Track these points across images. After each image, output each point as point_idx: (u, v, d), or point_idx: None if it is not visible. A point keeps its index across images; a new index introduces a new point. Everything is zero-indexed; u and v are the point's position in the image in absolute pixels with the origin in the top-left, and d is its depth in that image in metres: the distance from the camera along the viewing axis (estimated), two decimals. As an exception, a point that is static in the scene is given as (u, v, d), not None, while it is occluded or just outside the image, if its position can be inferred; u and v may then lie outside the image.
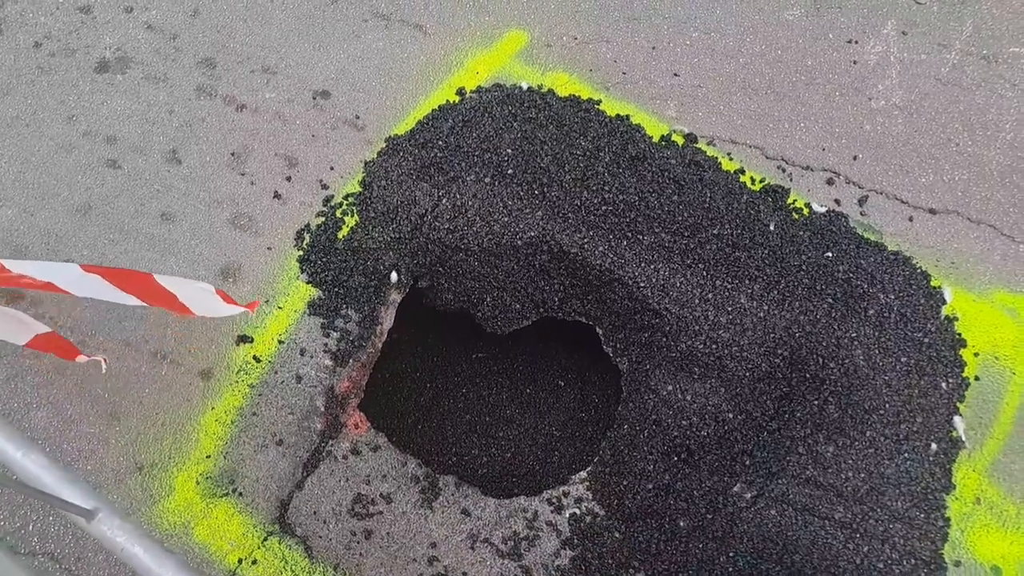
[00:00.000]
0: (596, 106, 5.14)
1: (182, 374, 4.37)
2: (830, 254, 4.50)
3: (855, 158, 4.98)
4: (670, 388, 4.41)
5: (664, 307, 4.44)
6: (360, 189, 4.89)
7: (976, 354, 4.34)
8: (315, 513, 4.12)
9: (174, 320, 4.48)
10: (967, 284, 4.56)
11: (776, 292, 4.41)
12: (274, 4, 5.70)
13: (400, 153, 4.96)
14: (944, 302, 4.43)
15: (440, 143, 4.90)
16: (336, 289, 4.62)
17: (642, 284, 4.48)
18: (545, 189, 4.67)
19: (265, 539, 4.04)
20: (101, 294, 3.70)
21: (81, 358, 3.97)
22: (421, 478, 4.32)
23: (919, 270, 4.54)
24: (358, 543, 4.08)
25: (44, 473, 2.58)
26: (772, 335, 4.33)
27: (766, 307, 4.38)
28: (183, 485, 4.13)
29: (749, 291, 4.43)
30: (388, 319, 4.73)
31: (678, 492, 4.25)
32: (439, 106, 5.18)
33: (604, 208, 4.61)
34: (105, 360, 4.00)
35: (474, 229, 4.62)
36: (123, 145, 5.05)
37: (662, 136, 5.00)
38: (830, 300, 4.36)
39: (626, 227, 4.59)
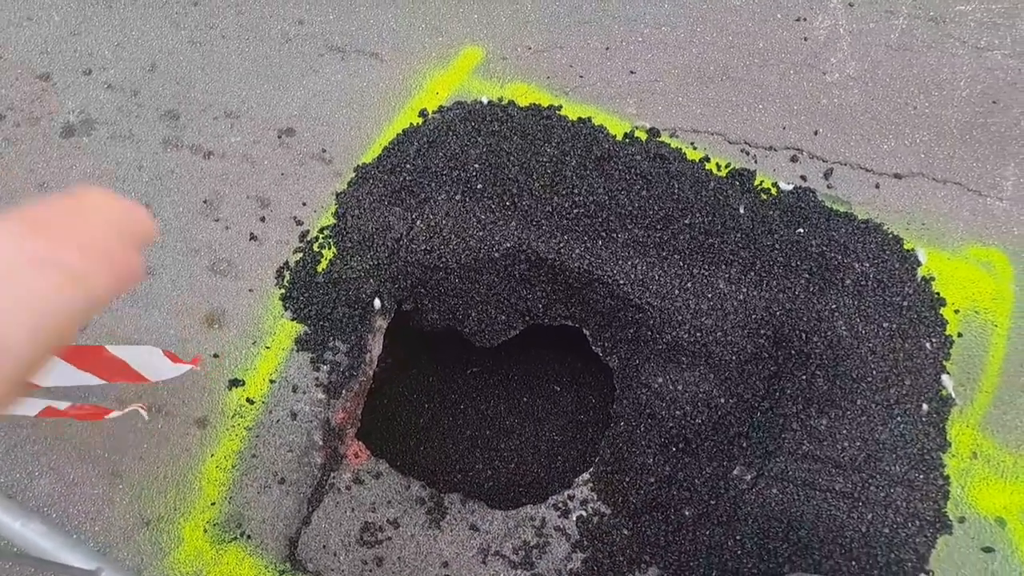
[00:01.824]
0: (557, 112, 5.19)
1: (178, 425, 4.40)
2: (802, 230, 4.55)
3: (816, 133, 5.04)
4: (660, 380, 4.45)
5: (645, 301, 4.48)
6: (334, 221, 4.93)
7: (956, 311, 4.39)
8: (325, 547, 4.16)
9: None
10: (940, 243, 4.61)
11: (753, 273, 4.46)
12: (229, 49, 5.75)
13: (370, 181, 5.00)
14: (919, 264, 4.47)
15: (408, 166, 4.94)
16: (321, 323, 4.65)
17: (621, 281, 4.52)
18: (516, 199, 4.71)
19: (278, 578, 4.09)
20: (64, 379, 3.69)
21: (111, 415, 3.97)
22: (426, 499, 4.36)
23: (891, 235, 4.59)
24: (370, 571, 4.11)
25: (44, 540, 2.61)
26: (754, 316, 4.37)
27: (745, 289, 4.43)
28: (191, 534, 4.16)
29: (726, 275, 4.47)
30: (376, 346, 4.77)
31: (680, 482, 4.29)
32: (403, 130, 5.22)
33: (576, 211, 4.65)
34: (143, 408, 4.03)
35: (451, 247, 4.65)
36: (96, 206, 5.08)
37: (625, 134, 5.05)
38: (807, 275, 4.40)
39: (599, 227, 4.63)
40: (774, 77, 5.30)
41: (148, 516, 4.19)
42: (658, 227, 4.60)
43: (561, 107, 5.22)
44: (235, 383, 4.49)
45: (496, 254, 4.64)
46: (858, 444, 4.01)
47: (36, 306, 0.95)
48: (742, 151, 4.99)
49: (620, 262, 4.56)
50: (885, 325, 4.24)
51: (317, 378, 4.52)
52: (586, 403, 5.53)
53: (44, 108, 5.54)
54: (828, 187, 4.82)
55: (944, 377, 4.19)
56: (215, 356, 4.57)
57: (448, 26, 5.78)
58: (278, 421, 4.40)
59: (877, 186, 4.81)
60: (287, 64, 5.67)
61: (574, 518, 4.30)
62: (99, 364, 3.75)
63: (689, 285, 4.47)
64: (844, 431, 4.04)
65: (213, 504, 4.22)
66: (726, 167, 4.89)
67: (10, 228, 1.00)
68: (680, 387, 4.41)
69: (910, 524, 3.88)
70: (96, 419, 4.00)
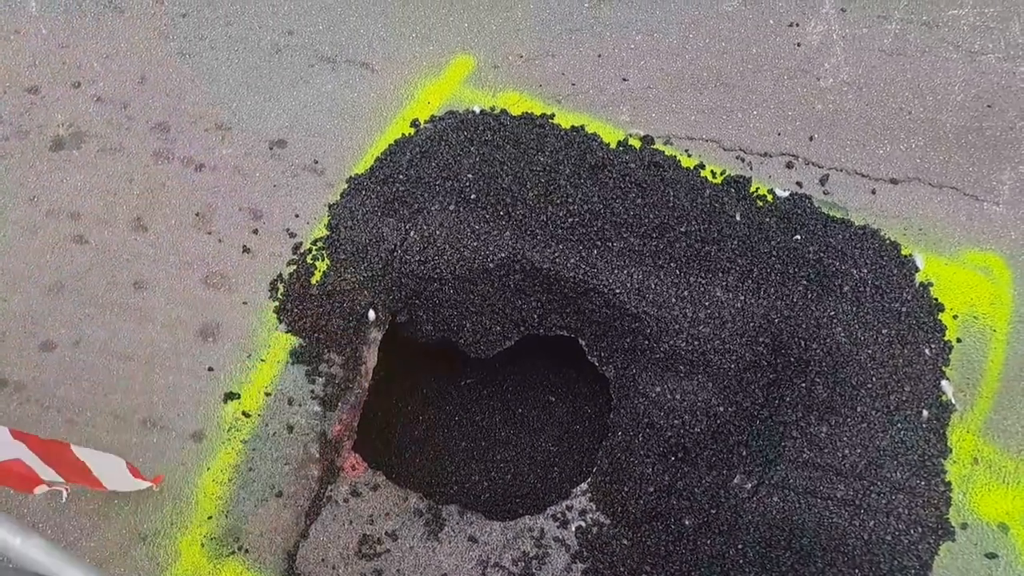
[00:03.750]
0: (550, 120, 5.17)
1: (174, 439, 4.36)
2: (799, 236, 4.54)
3: (811, 139, 5.02)
4: (658, 390, 4.43)
5: (642, 310, 4.46)
6: (327, 232, 4.90)
7: (955, 316, 4.37)
8: (323, 560, 4.12)
9: (160, 386, 4.48)
10: (937, 248, 4.60)
11: (750, 281, 4.44)
12: (219, 61, 5.71)
13: (362, 192, 4.97)
14: (917, 269, 4.46)
15: (401, 177, 4.91)
16: (316, 335, 4.62)
17: (618, 290, 4.50)
18: (510, 209, 4.69)
19: (277, 592, 4.05)
20: (27, 463, 3.59)
21: (40, 488, 3.81)
22: (424, 511, 4.33)
23: (888, 241, 4.57)
24: (370, 584, 4.09)
25: (44, 556, 2.58)
26: (752, 324, 4.36)
27: (742, 297, 4.41)
28: (188, 549, 4.12)
29: (723, 283, 4.45)
30: (372, 358, 4.74)
31: (679, 491, 4.27)
32: (395, 140, 5.19)
33: (570, 220, 4.63)
34: (67, 489, 3.85)
35: (445, 258, 4.63)
36: (87, 219, 5.04)
37: (619, 141, 5.03)
38: (804, 282, 4.39)
39: (594, 236, 4.61)
40: (768, 83, 5.29)
41: (144, 531, 4.15)
42: (654, 235, 4.58)
43: (554, 115, 5.20)
44: (230, 396, 4.46)
45: (491, 264, 4.62)
46: (859, 451, 3.99)
47: None
48: (737, 158, 4.98)
49: (616, 271, 4.54)
50: (884, 331, 4.23)
51: (313, 390, 4.48)
52: (581, 413, 5.51)
53: (33, 121, 5.49)
54: (824, 193, 4.81)
55: (944, 383, 4.18)
56: (210, 369, 4.53)
57: (438, 35, 5.76)
58: (274, 434, 4.37)
59: (873, 192, 4.80)
60: (277, 75, 5.64)
61: (573, 528, 4.28)
62: (61, 460, 3.62)
63: (686, 293, 4.45)
64: (844, 438, 4.03)
65: (210, 518, 4.18)
66: (721, 174, 4.87)
67: None
68: (678, 396, 4.39)
69: (912, 531, 3.86)
70: (28, 490, 3.79)
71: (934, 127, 5.02)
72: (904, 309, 4.31)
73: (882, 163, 4.91)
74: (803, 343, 4.26)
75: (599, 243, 4.60)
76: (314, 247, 4.87)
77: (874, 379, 4.13)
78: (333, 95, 5.53)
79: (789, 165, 4.93)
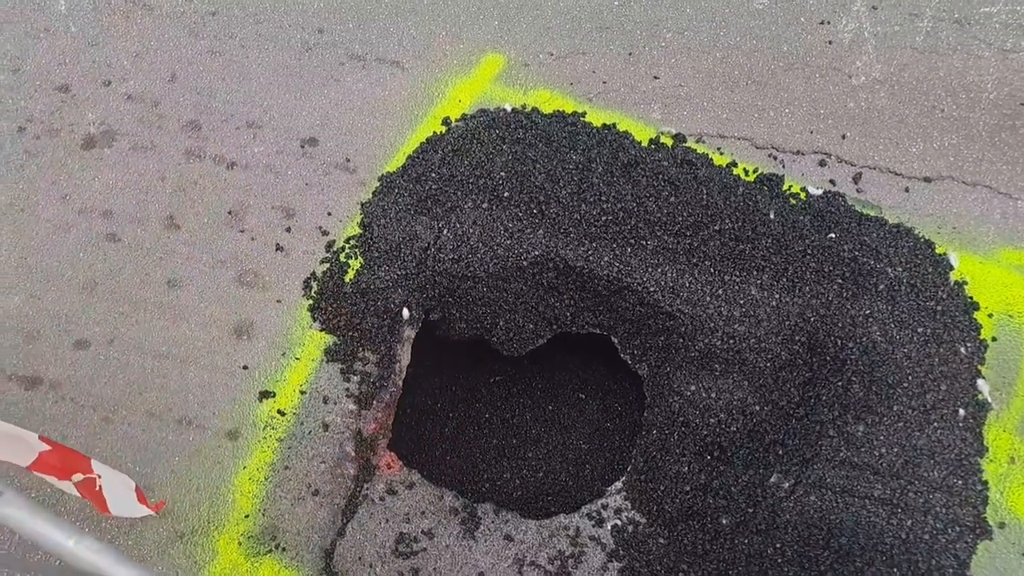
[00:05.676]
0: (582, 118, 5.17)
1: (209, 437, 4.38)
2: (833, 235, 4.53)
3: (844, 137, 5.02)
4: (693, 388, 4.42)
5: (676, 308, 4.46)
6: (360, 231, 4.91)
7: (990, 315, 4.36)
8: (360, 558, 4.13)
9: (195, 385, 4.50)
10: (972, 247, 4.58)
11: (785, 279, 4.43)
12: (249, 59, 5.72)
13: (395, 190, 4.98)
14: (951, 268, 4.45)
15: (433, 175, 4.92)
16: (350, 333, 4.63)
17: (651, 288, 4.50)
18: (543, 207, 4.69)
19: (314, 590, 4.06)
20: (22, 460, 3.52)
21: (76, 476, 3.75)
22: (460, 509, 4.33)
23: (922, 239, 4.56)
24: (407, 582, 4.10)
25: (98, 557, 2.59)
26: (787, 322, 4.35)
27: (777, 295, 4.40)
28: (226, 548, 4.13)
29: (758, 282, 4.45)
30: (405, 356, 4.74)
31: (716, 490, 4.27)
32: (427, 138, 5.19)
33: (604, 218, 4.63)
34: (99, 477, 3.77)
35: (478, 256, 4.63)
36: (120, 218, 5.06)
37: (651, 139, 5.02)
38: (839, 280, 4.38)
39: (628, 234, 4.61)
40: (799, 81, 5.28)
41: (182, 529, 4.16)
42: (687, 233, 4.58)
43: (585, 113, 5.20)
44: (265, 395, 4.47)
45: (524, 262, 4.62)
46: (896, 450, 3.98)
47: None
48: (770, 156, 4.97)
49: (650, 269, 4.54)
50: (920, 330, 4.22)
51: (348, 389, 4.49)
52: (612, 411, 5.50)
53: (64, 120, 5.51)
54: (858, 191, 4.80)
55: (980, 382, 4.16)
56: (244, 368, 4.55)
57: (469, 33, 5.76)
58: (310, 432, 4.38)
59: (907, 190, 4.79)
60: (308, 73, 5.65)
61: (609, 527, 4.28)
62: (75, 471, 3.56)
63: (721, 292, 4.45)
64: (881, 437, 4.01)
65: (247, 516, 4.19)
66: (754, 172, 4.87)
67: None
68: (714, 395, 4.38)
69: (950, 530, 3.85)
70: (64, 477, 3.73)
71: (967, 125, 5.01)
72: (939, 308, 4.30)
73: (915, 161, 4.90)
74: (839, 342, 4.25)
75: (632, 241, 4.60)
76: (347, 245, 4.88)
77: (910, 378, 4.12)
78: (364, 93, 5.54)
79: (822, 163, 4.92)
